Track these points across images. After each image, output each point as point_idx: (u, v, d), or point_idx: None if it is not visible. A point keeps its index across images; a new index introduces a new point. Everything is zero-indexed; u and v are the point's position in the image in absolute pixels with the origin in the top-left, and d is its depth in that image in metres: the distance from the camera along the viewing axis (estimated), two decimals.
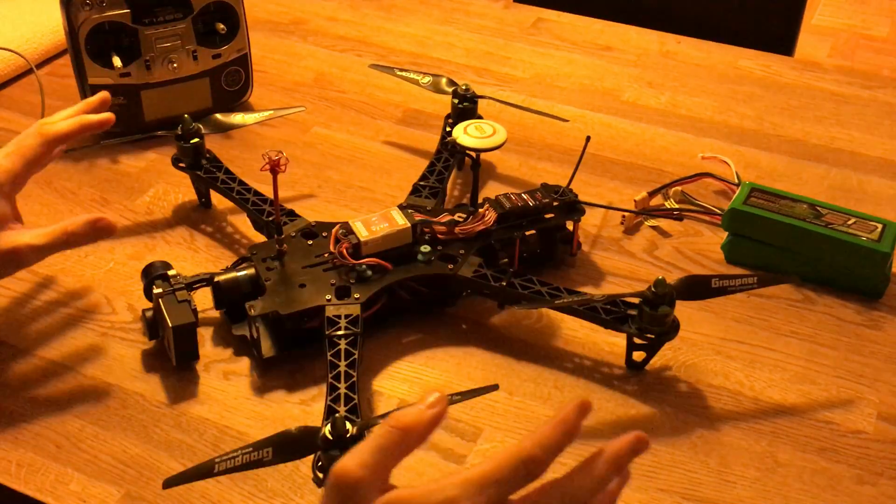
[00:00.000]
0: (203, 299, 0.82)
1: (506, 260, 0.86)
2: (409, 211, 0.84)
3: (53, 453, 0.72)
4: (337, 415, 0.64)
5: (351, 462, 0.51)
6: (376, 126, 1.11)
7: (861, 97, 1.18)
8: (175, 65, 1.04)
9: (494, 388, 0.68)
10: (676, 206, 0.98)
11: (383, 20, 1.33)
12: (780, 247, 0.89)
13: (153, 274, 0.79)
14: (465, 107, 1.01)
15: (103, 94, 0.88)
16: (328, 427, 0.63)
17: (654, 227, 0.96)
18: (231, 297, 0.80)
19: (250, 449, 0.62)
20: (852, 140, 1.10)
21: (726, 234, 0.92)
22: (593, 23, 1.33)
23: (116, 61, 1.02)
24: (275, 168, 0.75)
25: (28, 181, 0.82)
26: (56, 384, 0.78)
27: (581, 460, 0.54)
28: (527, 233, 0.86)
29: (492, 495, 0.50)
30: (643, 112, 1.14)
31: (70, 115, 0.84)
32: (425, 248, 0.82)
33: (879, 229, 0.87)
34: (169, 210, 0.97)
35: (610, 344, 0.81)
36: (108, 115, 0.86)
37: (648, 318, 0.75)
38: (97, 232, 0.77)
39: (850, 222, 0.87)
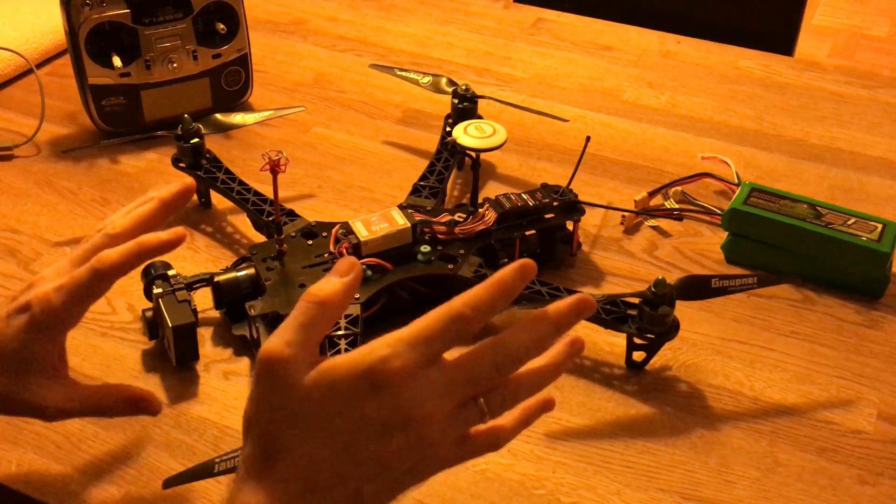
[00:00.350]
0: (203, 299, 0.82)
1: (506, 260, 0.86)
2: (409, 211, 0.84)
3: (53, 453, 0.72)
4: None
5: (276, 342, 0.51)
6: (376, 126, 1.11)
7: (861, 97, 1.18)
8: (175, 65, 1.04)
9: None
10: (676, 206, 0.98)
11: (383, 20, 1.33)
12: (780, 247, 0.89)
13: (153, 274, 0.79)
14: (465, 107, 1.01)
15: (187, 184, 0.70)
16: None
17: (654, 227, 0.96)
18: (231, 297, 0.80)
19: None
20: (852, 140, 1.10)
21: (726, 234, 0.91)
22: (593, 23, 1.33)
23: (116, 61, 1.02)
24: (275, 168, 0.75)
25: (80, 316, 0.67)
26: None
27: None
28: (527, 233, 0.86)
29: (423, 352, 0.50)
30: (643, 112, 1.14)
31: (138, 218, 0.68)
32: (425, 248, 0.82)
33: (879, 229, 0.87)
34: None
35: (610, 344, 0.81)
36: (175, 235, 0.67)
37: (648, 318, 0.75)
38: (137, 412, 0.69)
39: (850, 222, 0.87)
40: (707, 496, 0.70)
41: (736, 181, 0.99)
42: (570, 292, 0.79)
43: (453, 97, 1.02)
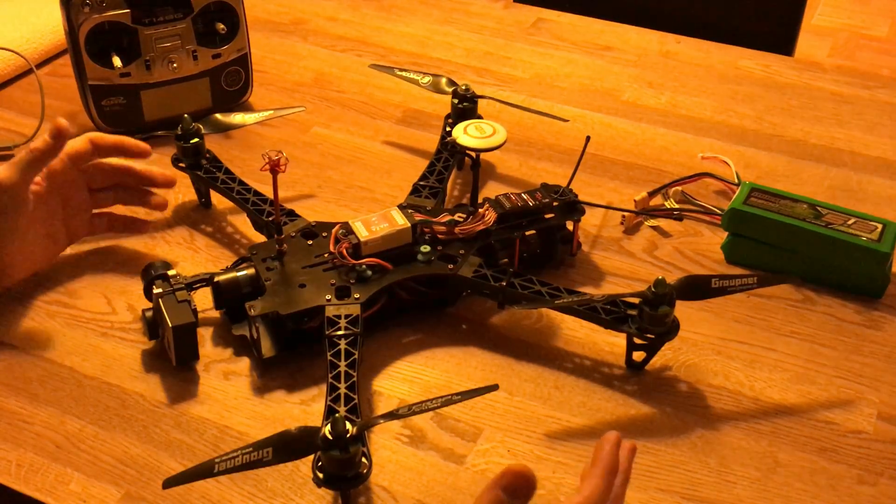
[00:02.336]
0: (203, 299, 0.82)
1: (506, 260, 0.86)
2: (409, 211, 0.84)
3: (53, 453, 0.72)
4: (337, 415, 0.64)
5: None
6: (376, 126, 1.11)
7: (861, 97, 1.18)
8: (175, 65, 1.04)
9: (494, 388, 0.68)
10: (676, 206, 0.98)
11: (383, 20, 1.33)
12: (780, 247, 0.89)
13: (153, 274, 0.79)
14: (465, 107, 1.01)
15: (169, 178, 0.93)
16: (328, 427, 0.63)
17: (654, 227, 0.96)
18: (231, 297, 0.80)
19: (250, 449, 0.62)
20: (852, 140, 1.10)
21: (726, 234, 0.91)
22: (593, 23, 1.33)
23: (116, 61, 1.02)
24: (275, 168, 0.75)
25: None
26: (56, 384, 0.78)
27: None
28: (527, 233, 0.86)
29: None
30: (643, 112, 1.14)
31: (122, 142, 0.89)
32: (425, 248, 0.82)
33: (879, 229, 0.87)
34: (169, 210, 0.97)
35: (610, 344, 0.81)
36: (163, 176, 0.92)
37: (648, 318, 0.75)
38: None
39: (850, 222, 0.87)
40: (707, 496, 0.70)
41: (736, 181, 0.99)
42: (571, 292, 0.79)
43: (453, 97, 1.02)
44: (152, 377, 0.78)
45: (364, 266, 0.80)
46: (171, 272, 0.79)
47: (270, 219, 0.87)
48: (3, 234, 0.81)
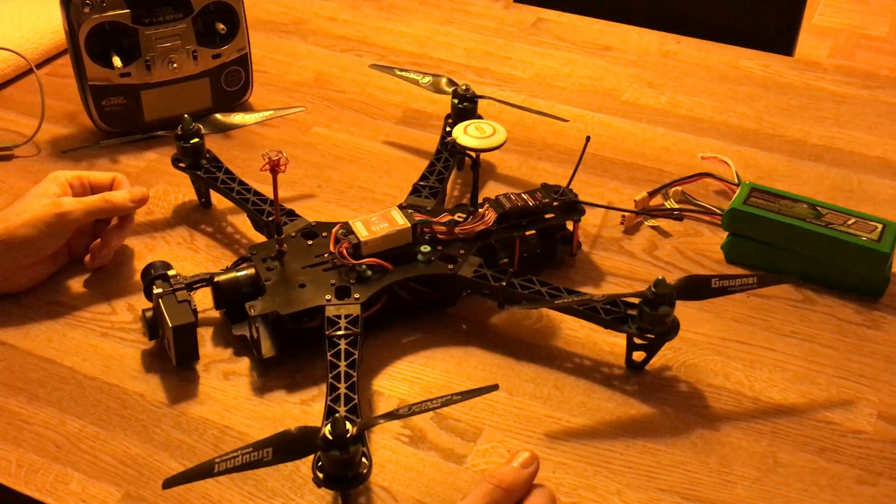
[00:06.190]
0: (203, 299, 0.82)
1: (506, 260, 0.86)
2: (409, 211, 0.84)
3: (53, 453, 0.72)
4: (337, 415, 0.64)
5: None
6: (376, 126, 1.11)
7: (861, 97, 1.18)
8: (175, 65, 1.04)
9: (494, 388, 0.68)
10: (676, 206, 0.98)
11: (383, 20, 1.33)
12: (780, 247, 0.89)
13: (153, 274, 0.79)
14: (465, 107, 1.01)
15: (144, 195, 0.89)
16: (328, 427, 0.63)
17: (654, 227, 0.96)
18: (231, 297, 0.80)
19: (250, 449, 0.62)
20: (852, 140, 1.10)
21: (726, 234, 0.92)
22: (593, 23, 1.33)
23: (116, 61, 1.02)
24: (275, 168, 0.75)
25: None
26: (56, 384, 0.78)
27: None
28: (527, 233, 0.86)
29: None
30: (643, 112, 1.14)
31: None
32: (425, 248, 0.82)
33: (879, 229, 0.87)
34: (169, 210, 0.97)
35: (610, 344, 0.81)
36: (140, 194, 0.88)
37: (648, 318, 0.75)
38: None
39: (850, 222, 0.87)
40: (707, 496, 0.70)
41: (736, 181, 0.99)
42: (571, 292, 0.79)
43: (453, 97, 1.02)
44: (152, 377, 0.78)
45: (364, 266, 0.80)
46: (171, 272, 0.79)
47: (270, 219, 0.87)
48: (34, 253, 0.83)
